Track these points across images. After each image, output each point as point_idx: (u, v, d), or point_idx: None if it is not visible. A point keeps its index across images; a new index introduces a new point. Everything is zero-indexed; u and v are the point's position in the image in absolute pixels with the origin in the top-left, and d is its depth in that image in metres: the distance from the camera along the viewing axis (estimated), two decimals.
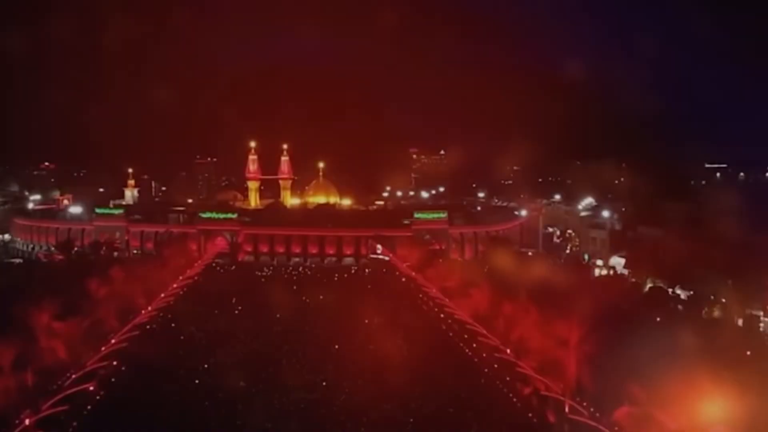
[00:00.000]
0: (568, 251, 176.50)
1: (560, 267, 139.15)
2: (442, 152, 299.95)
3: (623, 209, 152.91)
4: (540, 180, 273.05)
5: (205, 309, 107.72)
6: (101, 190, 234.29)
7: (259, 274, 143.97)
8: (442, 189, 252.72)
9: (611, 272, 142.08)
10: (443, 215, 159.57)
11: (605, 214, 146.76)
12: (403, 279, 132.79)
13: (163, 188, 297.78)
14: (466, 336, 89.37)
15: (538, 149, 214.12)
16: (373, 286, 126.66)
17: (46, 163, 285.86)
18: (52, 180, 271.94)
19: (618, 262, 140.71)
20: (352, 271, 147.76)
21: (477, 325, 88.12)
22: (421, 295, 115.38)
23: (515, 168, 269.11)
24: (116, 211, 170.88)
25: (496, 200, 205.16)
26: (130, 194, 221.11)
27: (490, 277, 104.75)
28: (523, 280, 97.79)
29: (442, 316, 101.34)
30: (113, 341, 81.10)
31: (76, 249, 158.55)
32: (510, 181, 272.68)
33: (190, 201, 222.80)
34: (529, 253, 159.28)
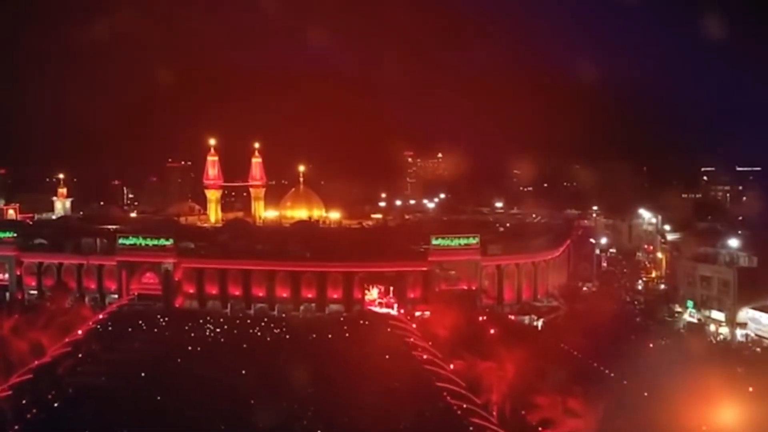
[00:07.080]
0: (640, 286, 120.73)
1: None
2: (440, 155, 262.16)
3: (740, 232, 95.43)
4: (546, 185, 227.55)
5: None
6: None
7: (195, 336, 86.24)
8: (443, 196, 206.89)
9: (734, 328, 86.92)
10: (474, 241, 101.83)
11: (733, 243, 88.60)
12: (425, 356, 75.61)
13: (131, 196, 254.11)
14: None
15: (543, 151, 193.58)
16: (375, 373, 68.86)
17: None
18: None
19: (755, 317, 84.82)
20: (344, 328, 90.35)
21: None
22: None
23: (515, 171, 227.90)
24: (5, 235, 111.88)
25: (534, 216, 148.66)
26: (61, 206, 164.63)
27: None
28: None
29: None
30: None
31: None
32: (530, 188, 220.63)
33: (133, 215, 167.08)
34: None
